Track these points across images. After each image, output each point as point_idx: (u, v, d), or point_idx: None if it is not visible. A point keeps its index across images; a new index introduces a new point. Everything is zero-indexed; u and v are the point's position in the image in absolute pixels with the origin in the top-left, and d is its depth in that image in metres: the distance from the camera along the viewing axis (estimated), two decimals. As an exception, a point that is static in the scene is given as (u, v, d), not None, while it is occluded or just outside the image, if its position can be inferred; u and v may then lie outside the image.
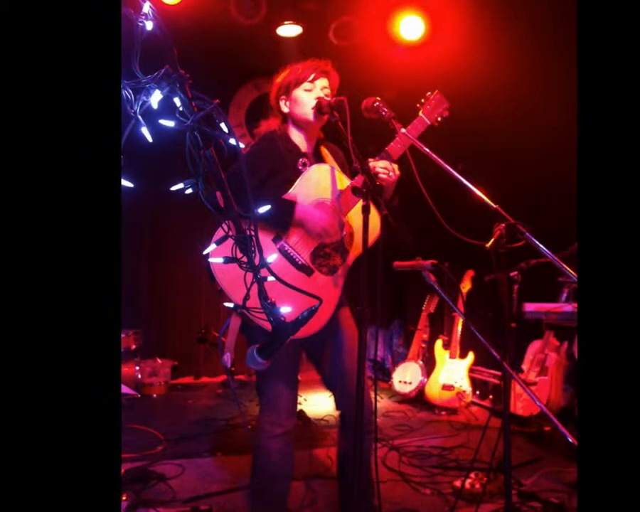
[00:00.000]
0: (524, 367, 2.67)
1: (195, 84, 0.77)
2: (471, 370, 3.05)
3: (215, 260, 1.13)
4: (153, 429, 2.48)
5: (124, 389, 2.94)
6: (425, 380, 3.15)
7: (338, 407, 1.42)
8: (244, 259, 0.82)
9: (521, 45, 2.51)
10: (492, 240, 1.06)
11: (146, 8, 0.75)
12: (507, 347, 1.16)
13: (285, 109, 1.41)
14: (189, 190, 0.82)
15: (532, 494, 1.78)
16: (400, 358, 3.68)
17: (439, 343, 3.18)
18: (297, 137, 1.41)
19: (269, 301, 0.83)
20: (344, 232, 1.34)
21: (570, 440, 1.01)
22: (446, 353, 3.11)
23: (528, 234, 1.01)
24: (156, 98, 0.76)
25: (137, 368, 3.23)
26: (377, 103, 1.24)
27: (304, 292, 0.90)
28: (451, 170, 1.11)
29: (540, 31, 2.49)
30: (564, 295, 2.41)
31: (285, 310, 0.84)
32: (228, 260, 0.83)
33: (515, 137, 2.72)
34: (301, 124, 1.39)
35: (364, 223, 1.11)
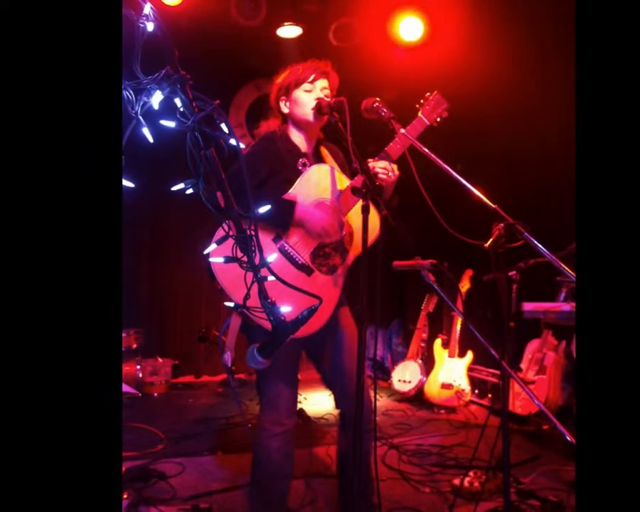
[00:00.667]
0: (522, 366, 2.67)
1: (195, 84, 0.78)
2: (470, 369, 3.06)
3: (216, 260, 1.13)
4: (154, 428, 2.48)
5: (125, 388, 2.94)
6: (424, 378, 3.16)
7: (337, 405, 1.42)
8: (245, 258, 0.83)
9: (520, 45, 2.51)
10: (491, 239, 1.07)
11: (147, 9, 0.76)
12: (506, 346, 1.16)
13: (285, 110, 1.41)
14: (190, 190, 0.82)
15: (530, 492, 1.78)
16: (399, 357, 3.68)
17: (438, 342, 3.19)
18: (297, 138, 1.41)
19: (269, 300, 0.83)
20: (344, 232, 1.35)
21: (568, 438, 1.02)
22: (445, 352, 3.11)
23: (526, 234, 1.02)
24: (156, 99, 0.77)
25: (138, 366, 3.24)
26: (377, 104, 1.25)
27: (304, 292, 0.91)
28: (450, 170, 1.11)
29: (539, 32, 2.49)
30: (563, 294, 2.41)
31: (285, 309, 0.85)
32: (229, 260, 0.83)
33: (514, 137, 2.73)
34: (301, 125, 1.40)
35: (364, 223, 1.11)
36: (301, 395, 2.95)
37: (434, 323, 3.44)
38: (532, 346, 2.68)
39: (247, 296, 0.84)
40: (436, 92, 1.36)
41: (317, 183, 1.34)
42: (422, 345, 3.35)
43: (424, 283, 1.29)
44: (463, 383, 2.96)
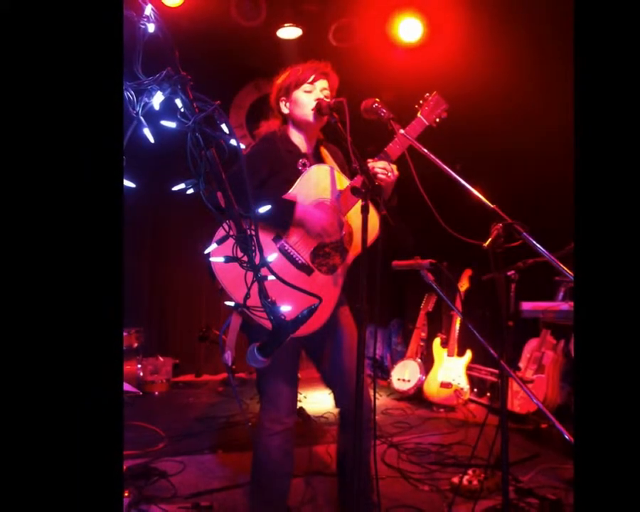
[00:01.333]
0: (521, 365, 2.68)
1: (196, 85, 0.78)
2: (468, 368, 3.07)
3: (216, 259, 1.14)
4: (155, 427, 2.49)
5: (126, 386, 2.95)
6: (423, 377, 3.17)
7: (337, 404, 1.43)
8: (245, 258, 0.83)
9: (519, 46, 2.52)
10: (490, 239, 1.07)
11: (148, 10, 0.76)
12: (504, 345, 1.17)
13: (285, 111, 1.42)
14: (190, 191, 0.83)
15: (529, 490, 1.79)
16: (398, 356, 3.69)
17: (437, 342, 3.20)
18: (297, 138, 1.42)
19: (269, 299, 0.84)
20: (343, 232, 1.35)
21: (567, 437, 1.02)
22: (445, 351, 3.12)
23: (525, 233, 1.02)
24: (157, 99, 0.77)
25: (139, 365, 3.24)
26: (376, 104, 1.25)
27: (304, 291, 0.91)
28: (449, 170, 1.12)
29: (538, 32, 2.50)
30: (561, 294, 2.42)
31: (285, 309, 0.85)
32: (229, 259, 0.84)
33: (512, 138, 2.73)
34: (301, 125, 1.40)
35: (363, 223, 1.12)
36: (301, 393, 2.96)
37: (434, 323, 3.45)
38: (531, 345, 2.69)
39: (247, 296, 0.84)
40: (435, 92, 1.37)
41: (317, 183, 1.34)
42: (421, 344, 3.36)
43: (424, 282, 1.29)
44: (462, 382, 2.97)
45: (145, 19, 0.76)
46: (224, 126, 0.79)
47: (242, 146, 0.82)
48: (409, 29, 2.99)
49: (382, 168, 1.30)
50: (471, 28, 2.67)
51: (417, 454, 2.24)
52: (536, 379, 2.59)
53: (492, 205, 1.07)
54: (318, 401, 3.02)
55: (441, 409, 2.95)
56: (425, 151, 1.18)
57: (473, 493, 1.75)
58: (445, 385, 2.98)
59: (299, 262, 1.30)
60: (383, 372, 3.83)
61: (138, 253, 3.85)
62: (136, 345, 3.22)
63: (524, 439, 2.40)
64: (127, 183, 0.75)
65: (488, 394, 3.07)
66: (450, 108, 1.36)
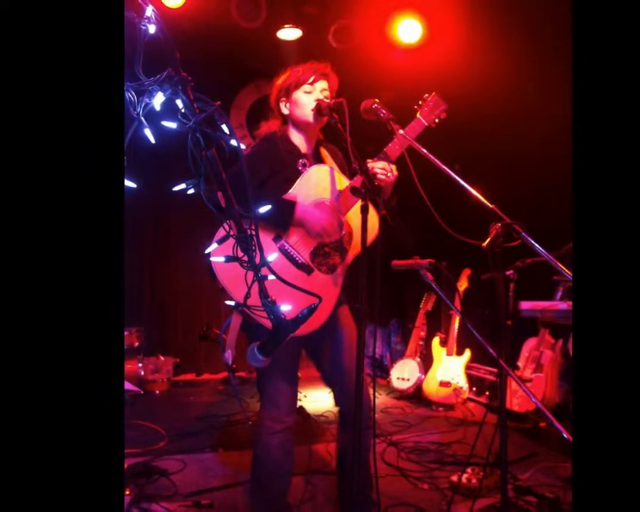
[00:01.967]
0: (520, 364, 2.69)
1: (196, 86, 0.78)
2: (467, 367, 3.07)
3: (217, 259, 1.14)
4: (156, 425, 2.50)
5: (127, 385, 2.95)
6: (423, 376, 3.18)
7: (337, 403, 1.43)
8: (245, 258, 0.84)
9: (518, 47, 2.52)
10: (488, 239, 1.08)
11: (149, 11, 0.76)
12: (503, 344, 1.18)
13: (285, 111, 1.42)
14: (191, 191, 0.83)
15: (527, 489, 1.79)
16: (398, 355, 3.70)
17: (436, 341, 3.21)
18: (297, 138, 1.42)
19: (269, 299, 0.84)
20: (343, 232, 1.36)
21: (565, 436, 1.02)
22: (444, 351, 3.13)
23: (523, 233, 1.03)
24: (158, 100, 0.77)
25: (140, 365, 3.25)
26: (376, 105, 1.26)
27: (304, 291, 0.92)
28: (448, 170, 1.12)
29: (537, 33, 2.50)
30: (559, 293, 2.43)
31: (285, 308, 0.86)
32: (229, 259, 0.84)
33: (511, 138, 2.74)
34: (301, 126, 1.41)
35: (363, 223, 1.12)
36: (301, 392, 2.97)
37: (433, 322, 3.46)
38: (530, 345, 2.70)
39: (247, 295, 0.85)
40: (434, 93, 1.37)
41: (317, 183, 1.35)
42: (421, 343, 3.37)
43: (423, 282, 1.30)
44: (461, 381, 2.98)
45: (146, 20, 0.76)
46: (224, 127, 0.79)
47: (243, 146, 0.83)
48: (408, 30, 2.99)
49: (381, 169, 1.31)
50: (470, 29, 2.68)
51: (416, 453, 2.25)
52: (535, 378, 2.59)
53: (491, 205, 1.07)
54: (318, 400, 3.03)
55: (440, 408, 2.96)
56: (424, 151, 1.18)
57: (472, 492, 1.76)
58: (444, 384, 2.99)
59: (299, 261, 1.31)
60: (383, 371, 3.84)
61: (139, 253, 3.86)
62: (137, 344, 3.23)
63: (523, 438, 2.41)
64: (128, 183, 0.75)
65: (487, 393, 3.07)
66: (449, 109, 1.36)
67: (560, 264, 0.98)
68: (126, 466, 1.94)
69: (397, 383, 3.29)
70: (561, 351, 2.62)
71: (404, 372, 3.29)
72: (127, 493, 1.69)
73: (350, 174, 1.40)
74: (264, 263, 0.83)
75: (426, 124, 1.36)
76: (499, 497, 1.54)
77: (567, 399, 2.55)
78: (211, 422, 2.66)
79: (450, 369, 3.04)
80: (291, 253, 1.31)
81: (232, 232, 0.84)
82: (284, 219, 1.29)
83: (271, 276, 0.84)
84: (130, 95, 0.77)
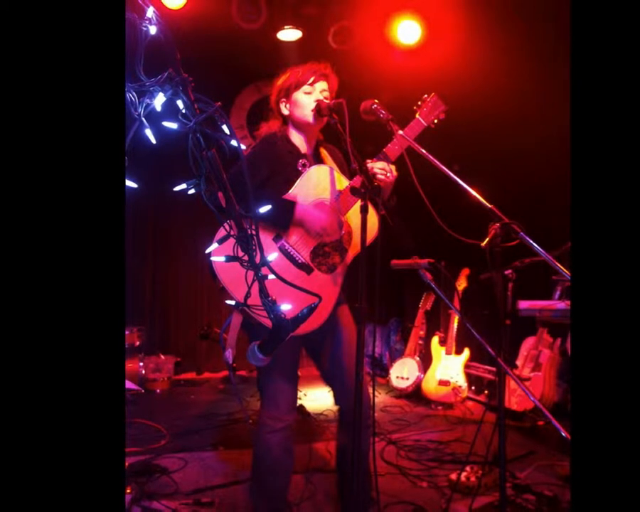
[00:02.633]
0: (518, 363, 2.70)
1: (197, 86, 0.79)
2: (466, 366, 3.08)
3: (217, 259, 1.15)
4: (157, 424, 2.50)
5: (128, 384, 2.96)
6: (422, 375, 3.19)
7: (337, 402, 1.44)
8: (246, 257, 0.84)
9: (517, 47, 2.53)
10: (487, 239, 1.08)
11: (150, 12, 0.77)
12: (502, 343, 1.18)
13: (285, 112, 1.43)
14: (191, 191, 0.83)
15: (526, 487, 1.80)
16: (397, 355, 3.71)
17: (435, 340, 3.21)
18: (297, 139, 1.43)
19: (269, 298, 0.85)
20: (343, 232, 1.37)
21: (563, 434, 1.03)
22: (443, 350, 3.14)
23: (522, 233, 1.03)
24: (159, 101, 0.78)
25: (141, 363, 3.25)
26: (375, 105, 1.26)
27: (304, 290, 0.92)
28: (447, 170, 1.13)
29: (536, 34, 2.51)
30: (558, 293, 2.44)
31: (285, 307, 0.86)
32: (230, 259, 0.85)
33: (510, 139, 2.74)
34: (300, 126, 1.41)
35: (362, 223, 1.13)
36: (301, 391, 2.98)
37: (432, 321, 3.46)
38: (528, 344, 2.71)
39: (248, 295, 0.85)
40: (433, 94, 1.38)
41: (317, 184, 1.35)
42: (420, 342, 3.38)
43: (422, 282, 1.31)
44: (460, 380, 2.99)
45: (147, 21, 0.76)
46: (225, 127, 0.80)
47: (243, 146, 0.83)
48: (407, 31, 3.00)
49: (381, 169, 1.31)
50: (469, 30, 2.68)
51: (415, 451, 2.26)
52: (533, 377, 2.60)
53: (489, 205, 1.08)
54: (317, 398, 3.04)
55: (440, 407, 2.97)
56: (424, 151, 1.19)
57: (470, 490, 1.77)
58: (443, 383, 3.00)
59: (299, 261, 1.32)
60: (382, 370, 3.85)
61: (140, 252, 3.86)
62: (138, 343, 3.23)
63: (521, 436, 2.41)
64: (129, 183, 0.75)
65: (486, 391, 3.08)
66: (448, 109, 1.37)
67: (558, 264, 0.98)
68: (127, 464, 1.95)
69: (396, 382, 3.29)
70: (559, 350, 2.63)
71: (403, 371, 3.30)
72: (128, 491, 1.70)
73: (349, 174, 1.41)
74: (264, 263, 0.84)
75: (425, 124, 1.36)
76: (498, 495, 1.55)
77: (565, 397, 2.56)
78: (212, 421, 2.66)
79: (449, 368, 3.05)
80: (291, 253, 1.31)
81: (232, 232, 0.84)
82: (284, 219, 1.30)
83: (271, 276, 0.85)
84: (131, 96, 0.77)
